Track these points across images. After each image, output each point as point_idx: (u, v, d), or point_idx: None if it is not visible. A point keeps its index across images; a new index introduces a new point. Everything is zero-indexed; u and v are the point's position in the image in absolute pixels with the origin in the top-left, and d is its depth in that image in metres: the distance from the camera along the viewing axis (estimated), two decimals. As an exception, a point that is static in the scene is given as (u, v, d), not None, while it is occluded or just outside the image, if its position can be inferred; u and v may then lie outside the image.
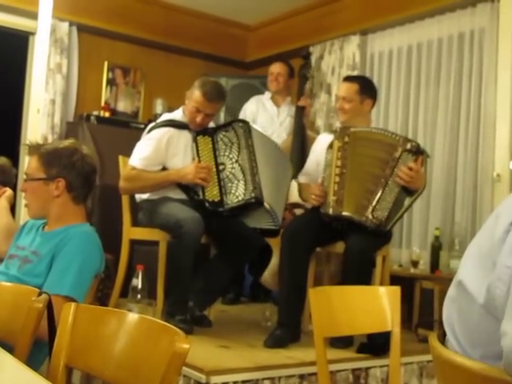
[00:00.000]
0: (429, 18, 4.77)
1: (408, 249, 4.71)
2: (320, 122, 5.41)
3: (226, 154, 3.58)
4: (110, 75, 5.69)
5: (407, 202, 3.43)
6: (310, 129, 5.04)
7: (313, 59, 5.57)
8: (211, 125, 3.73)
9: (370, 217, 3.33)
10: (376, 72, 5.21)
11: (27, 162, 2.54)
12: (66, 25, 5.30)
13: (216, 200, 3.49)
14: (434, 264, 4.35)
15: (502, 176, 4.13)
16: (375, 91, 3.79)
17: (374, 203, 3.35)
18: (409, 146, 3.43)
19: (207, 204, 3.49)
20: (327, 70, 5.43)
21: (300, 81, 4.91)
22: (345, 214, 3.40)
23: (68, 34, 5.33)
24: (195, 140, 3.58)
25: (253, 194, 3.46)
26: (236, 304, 4.70)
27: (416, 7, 4.75)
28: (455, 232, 4.41)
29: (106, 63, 5.66)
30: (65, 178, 2.39)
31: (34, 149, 2.45)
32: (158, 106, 5.73)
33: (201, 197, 3.51)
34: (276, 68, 5.00)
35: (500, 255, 1.16)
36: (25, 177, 2.45)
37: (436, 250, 4.38)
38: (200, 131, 3.61)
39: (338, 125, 3.91)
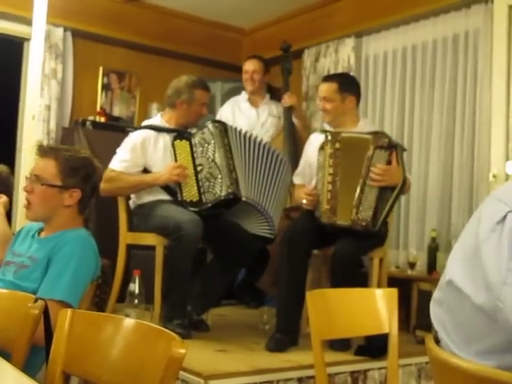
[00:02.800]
0: (423, 20, 4.78)
1: (405, 250, 4.72)
2: (317, 125, 5.40)
3: (203, 154, 3.58)
4: (105, 80, 5.68)
5: (391, 198, 3.41)
6: (305, 128, 4.93)
7: (308, 62, 5.58)
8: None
9: (356, 219, 3.32)
10: (371, 74, 5.21)
11: (37, 163, 2.44)
12: (60, 30, 5.30)
13: (194, 200, 3.50)
14: (431, 265, 4.35)
15: (498, 177, 4.13)
16: (357, 87, 3.76)
17: (356, 205, 3.34)
18: (380, 142, 3.42)
19: (186, 205, 3.50)
20: (323, 72, 5.43)
21: (284, 76, 4.76)
22: (339, 223, 3.40)
23: (63, 39, 5.32)
24: (172, 145, 3.61)
25: (229, 190, 3.47)
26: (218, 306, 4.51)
27: (410, 9, 4.75)
28: (452, 233, 4.41)
29: (101, 68, 5.65)
30: (81, 189, 2.39)
31: (52, 151, 2.42)
32: (154, 110, 5.71)
33: (179, 198, 3.52)
34: (250, 65, 4.79)
35: (500, 258, 1.16)
36: (33, 178, 2.39)
37: (433, 251, 4.38)
38: (177, 135, 3.63)
39: (325, 126, 3.87)
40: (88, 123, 5.19)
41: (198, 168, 3.56)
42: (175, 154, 3.59)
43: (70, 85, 5.44)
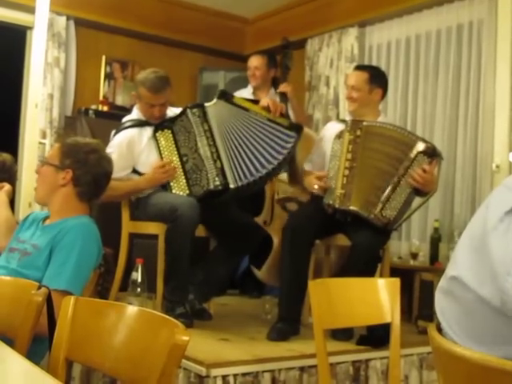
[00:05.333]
0: (427, 10, 4.76)
1: (407, 241, 4.72)
2: (319, 115, 5.41)
3: (186, 144, 3.55)
4: (108, 69, 5.68)
5: (416, 203, 3.43)
6: (300, 118, 4.91)
7: (311, 51, 5.56)
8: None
9: (379, 215, 3.31)
10: (374, 64, 5.19)
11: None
12: (63, 19, 5.29)
13: (185, 194, 3.49)
14: (434, 256, 4.36)
15: (501, 167, 4.13)
16: (386, 81, 3.75)
17: (383, 201, 3.32)
18: (425, 147, 3.39)
19: None
20: (325, 62, 5.42)
21: (282, 71, 4.79)
22: (352, 208, 3.37)
23: (65, 28, 5.32)
24: (154, 137, 3.57)
25: (216, 183, 3.44)
26: (225, 295, 4.57)
27: (414, -1, 4.74)
28: (454, 224, 4.42)
29: (103, 57, 5.64)
30: (74, 171, 2.46)
31: (61, 136, 2.54)
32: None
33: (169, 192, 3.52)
34: (252, 62, 4.81)
35: (507, 249, 1.15)
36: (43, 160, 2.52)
37: (435, 241, 4.38)
38: (158, 126, 3.58)
39: (346, 116, 3.85)
40: (91, 112, 5.19)
41: (184, 159, 3.52)
42: (158, 147, 3.55)
43: (72, 73, 5.43)
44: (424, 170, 3.32)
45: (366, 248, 3.28)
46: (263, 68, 4.80)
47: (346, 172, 3.42)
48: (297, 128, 3.61)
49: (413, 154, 3.36)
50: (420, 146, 3.38)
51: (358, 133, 3.46)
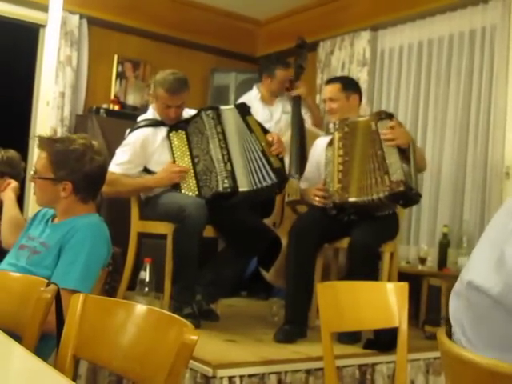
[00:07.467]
0: (440, 15, 4.75)
1: (416, 246, 4.71)
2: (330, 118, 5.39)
3: (198, 145, 3.58)
4: (120, 68, 5.69)
5: (411, 157, 3.47)
6: (317, 123, 4.92)
7: (322, 55, 5.56)
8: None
9: (392, 185, 3.31)
10: (386, 68, 5.19)
11: (37, 155, 2.56)
12: (76, 17, 5.30)
13: (194, 195, 3.50)
14: (442, 261, 4.34)
15: (512, 174, 4.12)
16: (358, 87, 3.90)
17: (385, 171, 3.36)
18: (378, 116, 3.59)
19: None
20: (337, 65, 5.41)
21: (296, 72, 4.79)
22: (351, 200, 3.43)
23: (78, 26, 5.32)
24: (168, 137, 3.60)
25: (225, 185, 3.46)
26: (235, 297, 4.60)
27: (427, 3, 4.72)
28: (463, 229, 4.40)
29: (115, 56, 5.65)
30: (72, 181, 2.39)
31: (45, 144, 2.45)
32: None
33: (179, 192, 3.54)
34: (287, 75, 4.84)
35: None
36: (33, 169, 2.48)
37: (444, 247, 4.36)
38: (172, 127, 3.62)
39: (331, 128, 3.93)
40: (102, 111, 5.20)
41: (195, 160, 3.55)
42: (171, 147, 3.58)
43: (84, 72, 5.45)
44: (391, 127, 3.47)
45: (362, 245, 3.30)
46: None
47: (341, 167, 3.53)
48: (280, 175, 3.64)
49: (374, 126, 3.52)
50: (374, 118, 3.57)
51: (346, 129, 3.61)
